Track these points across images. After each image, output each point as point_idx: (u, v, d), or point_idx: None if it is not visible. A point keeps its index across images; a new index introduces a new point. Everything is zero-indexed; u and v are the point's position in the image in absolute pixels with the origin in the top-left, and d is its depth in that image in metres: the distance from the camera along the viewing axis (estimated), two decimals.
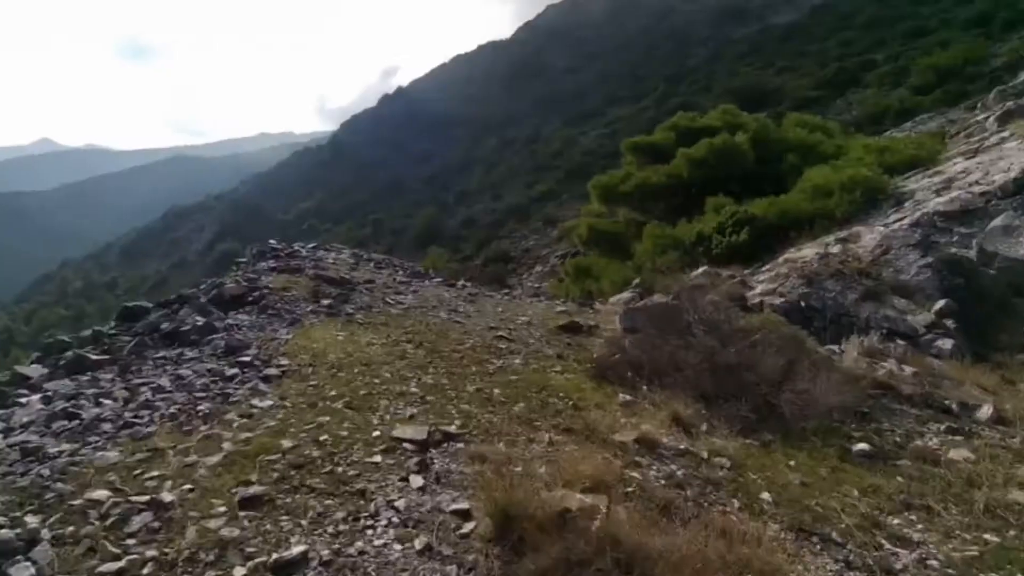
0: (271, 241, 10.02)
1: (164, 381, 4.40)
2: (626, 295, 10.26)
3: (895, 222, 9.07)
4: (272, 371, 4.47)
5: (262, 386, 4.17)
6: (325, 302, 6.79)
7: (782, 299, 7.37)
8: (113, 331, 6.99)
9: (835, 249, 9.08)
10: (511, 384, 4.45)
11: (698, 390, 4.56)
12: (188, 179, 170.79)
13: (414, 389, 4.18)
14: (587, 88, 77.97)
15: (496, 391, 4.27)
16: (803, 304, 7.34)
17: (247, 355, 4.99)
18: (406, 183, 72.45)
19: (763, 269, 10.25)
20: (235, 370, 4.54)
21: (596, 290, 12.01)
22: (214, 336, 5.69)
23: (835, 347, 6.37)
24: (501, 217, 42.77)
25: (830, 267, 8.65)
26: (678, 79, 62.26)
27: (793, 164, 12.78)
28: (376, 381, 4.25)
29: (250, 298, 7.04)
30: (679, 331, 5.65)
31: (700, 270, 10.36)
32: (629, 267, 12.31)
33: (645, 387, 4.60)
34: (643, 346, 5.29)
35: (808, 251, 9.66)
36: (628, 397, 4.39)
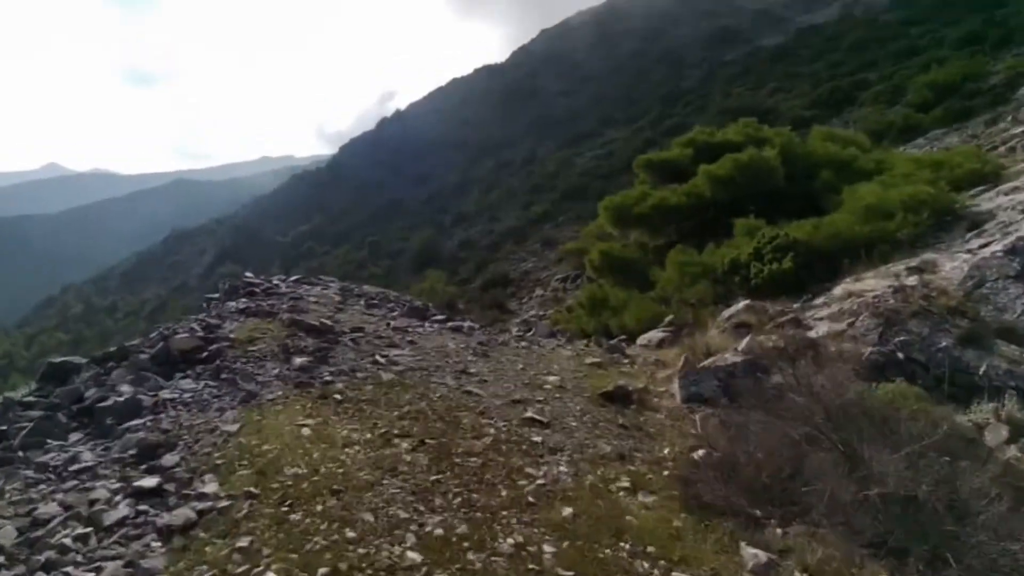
0: (247, 274, 8.36)
1: (9, 530, 2.69)
2: (657, 334, 8.57)
3: (981, 248, 7.46)
4: (183, 514, 2.75)
5: (149, 560, 2.45)
6: (298, 362, 5.10)
7: (872, 349, 5.70)
8: (30, 397, 5.35)
9: (911, 281, 7.42)
10: (567, 531, 2.74)
11: (858, 531, 2.87)
12: (190, 203, 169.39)
13: (413, 555, 2.47)
14: (581, 110, 77.18)
15: (547, 550, 2.57)
16: (901, 356, 5.68)
17: (165, 465, 3.29)
18: (404, 205, 71.12)
19: (816, 303, 8.62)
20: (125, 510, 2.82)
21: (616, 325, 10.34)
22: (133, 424, 3.98)
23: (965, 418, 4.71)
24: (498, 239, 41.25)
25: (911, 304, 6.97)
26: (672, 100, 61.35)
27: (828, 181, 11.21)
28: (350, 535, 2.55)
29: (204, 354, 5.34)
30: (770, 405, 3.98)
31: (741, 304, 8.68)
32: (651, 298, 10.66)
33: (778, 528, 2.89)
34: (740, 440, 3.61)
35: (872, 282, 8.00)
36: (759, 555, 2.68)
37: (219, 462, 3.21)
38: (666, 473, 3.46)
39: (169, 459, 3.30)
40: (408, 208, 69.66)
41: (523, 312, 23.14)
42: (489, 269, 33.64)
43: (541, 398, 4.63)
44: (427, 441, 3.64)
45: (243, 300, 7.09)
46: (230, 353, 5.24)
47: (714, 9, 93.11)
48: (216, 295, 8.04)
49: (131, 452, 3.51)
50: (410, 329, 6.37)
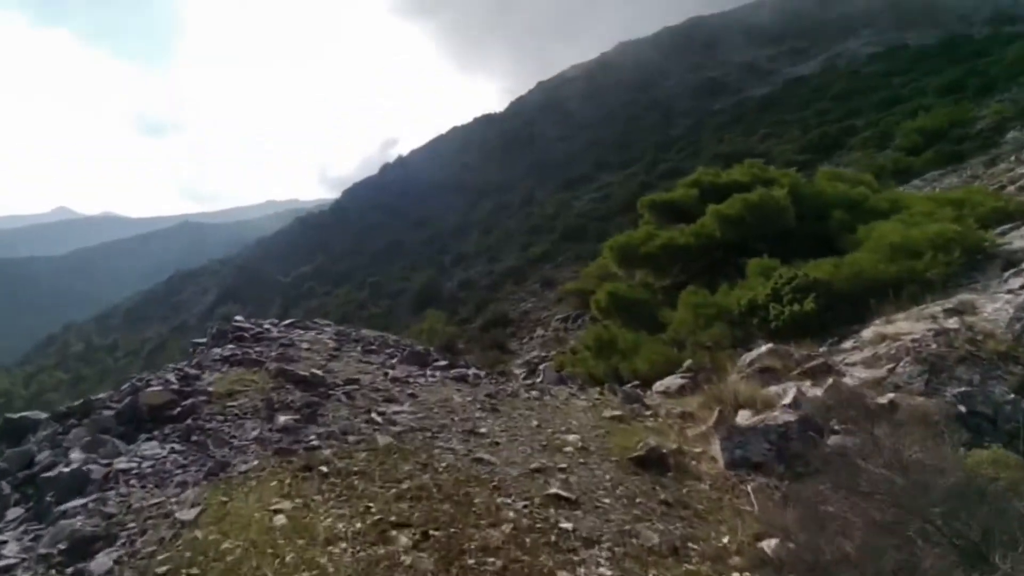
0: (237, 317, 7.62)
1: None
2: (675, 380, 7.80)
3: (1023, 288, 6.81)
4: None
5: None
6: (282, 420, 4.32)
7: (948, 405, 4.93)
8: None
9: (951, 323, 6.71)
10: None
11: None
12: (196, 245, 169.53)
13: None
14: (577, 156, 77.91)
15: None
16: (963, 409, 4.93)
17: (94, 572, 2.50)
18: (404, 246, 70.90)
19: (844, 347, 7.89)
20: None
21: (627, 369, 9.56)
22: (73, 505, 3.19)
23: None
24: (498, 279, 40.71)
25: (956, 348, 6.24)
26: (664, 146, 61.88)
27: (841, 221, 10.63)
28: None
29: (177, 410, 4.57)
30: (842, 478, 3.21)
31: (763, 348, 7.94)
32: (663, 341, 9.92)
33: None
34: (814, 525, 2.82)
35: (906, 324, 7.29)
36: None
37: (161, 570, 2.42)
38: None
39: (101, 562, 2.51)
40: (408, 249, 69.39)
41: (524, 353, 22.30)
42: (489, 309, 32.94)
43: (564, 465, 3.86)
44: (432, 533, 2.86)
45: (230, 346, 6.33)
46: (206, 410, 4.47)
47: (700, 62, 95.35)
48: (203, 340, 7.29)
49: (60, 547, 2.72)
50: (411, 379, 5.60)
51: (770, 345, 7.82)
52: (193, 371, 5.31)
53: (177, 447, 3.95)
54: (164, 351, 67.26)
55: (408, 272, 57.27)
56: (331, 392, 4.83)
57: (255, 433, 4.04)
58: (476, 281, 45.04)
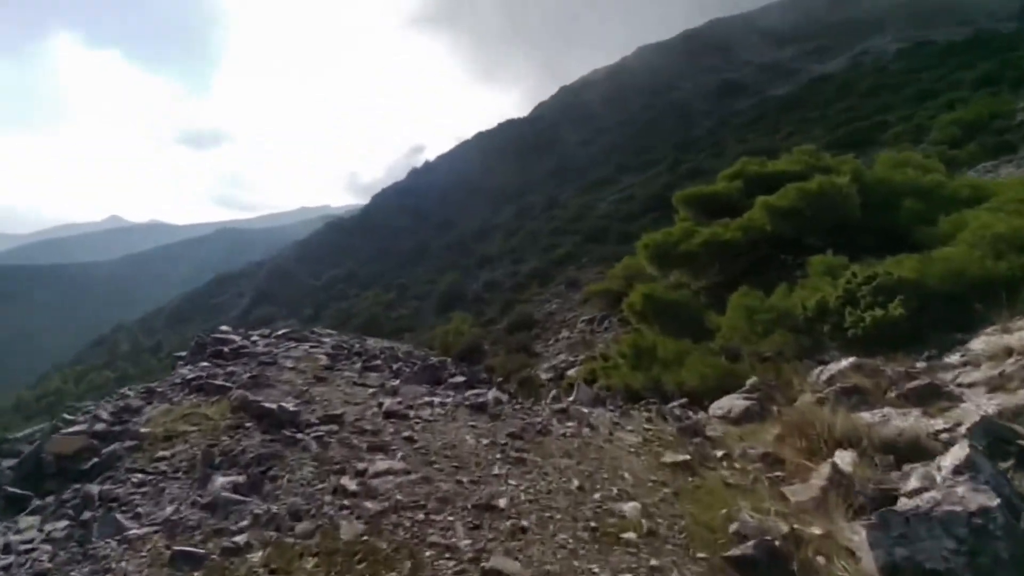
0: (222, 327, 6.27)
1: None
2: (737, 402, 6.17)
3: None
4: None
5: None
6: (218, 484, 2.89)
7: None
8: None
9: None
10: None
11: None
12: (234, 249, 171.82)
13: None
14: (598, 158, 76.10)
15: None
16: None
17: None
18: (430, 250, 69.94)
19: (950, 361, 6.20)
20: None
21: (672, 382, 7.99)
22: None
23: None
24: (523, 280, 39.18)
25: None
26: (685, 147, 59.71)
27: (915, 211, 8.90)
28: None
29: (93, 461, 3.16)
30: None
31: (844, 363, 6.29)
32: (711, 350, 8.33)
33: None
34: None
35: None
36: None
37: None
38: None
39: None
40: (434, 253, 68.41)
41: (550, 356, 20.74)
42: (514, 310, 31.43)
43: (632, 565, 2.40)
44: None
45: (202, 364, 4.98)
46: (127, 462, 3.10)
47: (719, 65, 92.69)
48: (184, 353, 5.98)
49: None
50: (411, 412, 4.14)
51: (853, 359, 6.18)
52: (137, 402, 3.99)
53: (58, 530, 2.61)
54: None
55: (434, 274, 56.17)
56: (300, 435, 3.44)
57: (169, 510, 2.68)
58: (501, 283, 43.64)
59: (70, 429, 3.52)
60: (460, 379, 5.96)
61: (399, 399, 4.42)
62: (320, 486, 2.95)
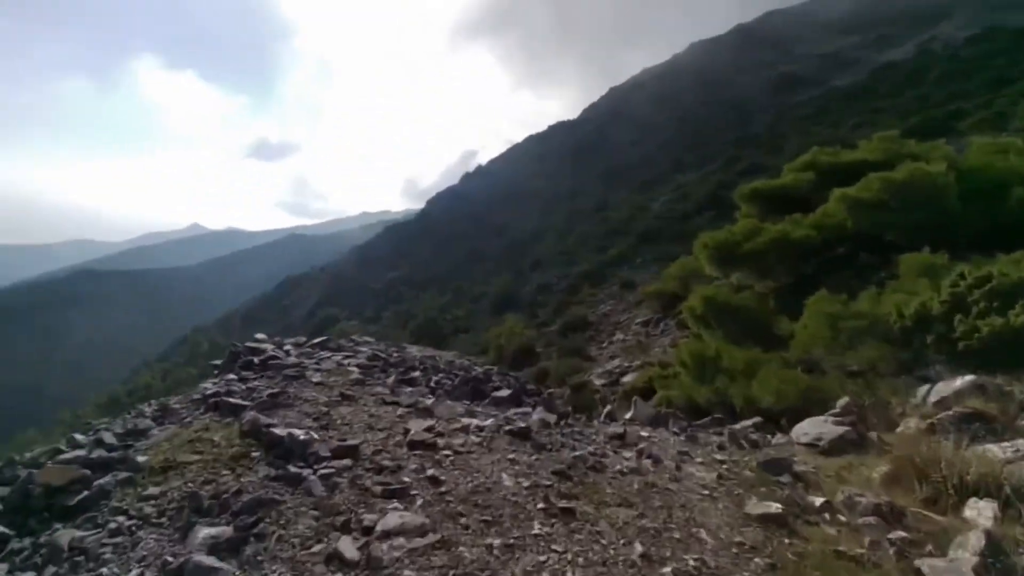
0: (257, 335, 5.90)
1: None
2: (825, 427, 5.27)
3: None
4: None
5: None
6: (203, 538, 2.37)
7: None
8: None
9: None
10: None
11: None
12: (303, 254, 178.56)
13: None
14: (651, 159, 73.99)
15: None
16: None
17: None
18: (484, 252, 69.95)
19: None
20: None
21: (739, 397, 7.07)
22: None
23: None
24: (575, 282, 38.25)
25: None
26: (742, 144, 56.97)
27: None
28: None
29: (81, 496, 2.70)
30: None
31: (960, 382, 5.28)
32: (786, 360, 7.33)
33: None
34: None
35: None
36: None
37: None
38: None
39: None
40: (488, 255, 68.36)
41: (604, 360, 19.88)
42: (568, 312, 30.59)
43: None
44: None
45: (230, 377, 4.57)
46: (114, 500, 2.64)
47: (775, 58, 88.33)
48: (219, 362, 5.63)
49: None
50: (441, 440, 3.53)
51: (971, 377, 5.14)
52: (147, 422, 3.60)
53: None
54: None
55: (488, 277, 55.99)
56: (306, 473, 2.90)
57: (138, 572, 2.19)
58: (553, 284, 42.92)
59: (66, 455, 3.13)
60: (505, 392, 5.33)
61: (430, 423, 3.83)
62: (315, 549, 2.38)
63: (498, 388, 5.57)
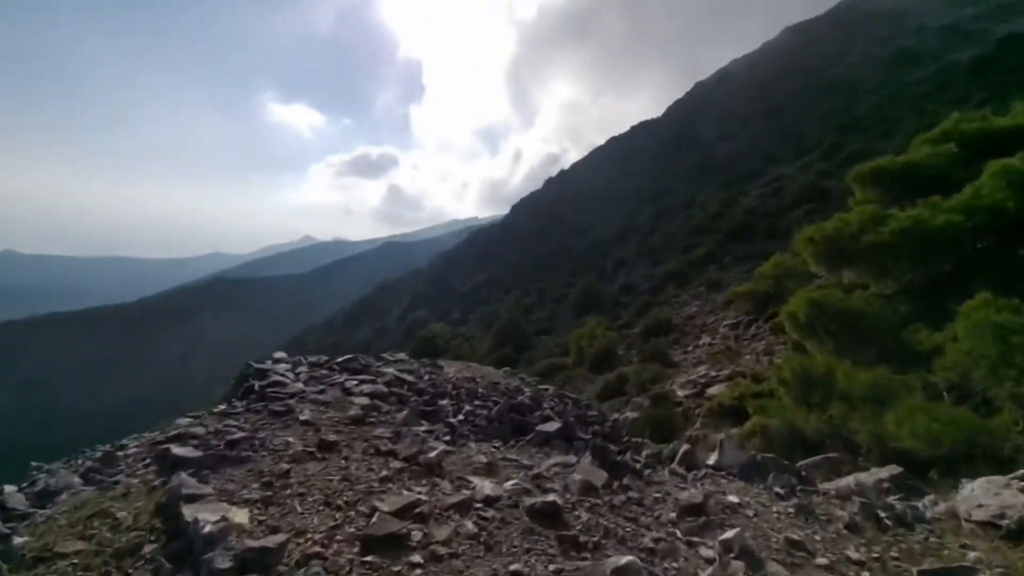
0: (276, 354, 5.18)
1: None
2: (1009, 495, 3.56)
3: None
4: None
5: None
6: None
7: None
8: None
9: None
10: None
11: None
12: (397, 260, 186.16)
13: None
14: (742, 153, 68.94)
15: None
16: None
17: None
18: (568, 254, 68.52)
19: None
20: None
21: (864, 433, 5.38)
22: None
23: None
24: (659, 282, 35.91)
25: None
26: (846, 130, 51.26)
27: None
28: None
29: None
30: None
31: None
32: (930, 382, 5.53)
33: None
34: None
35: None
36: None
37: None
38: None
39: None
40: (571, 256, 66.84)
41: (688, 366, 17.97)
42: (651, 314, 28.55)
43: None
44: None
45: (222, 407, 3.78)
46: None
47: (887, 35, 79.26)
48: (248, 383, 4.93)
49: None
50: (421, 530, 2.26)
51: None
52: (66, 480, 2.80)
53: None
54: (371, 350, 72.58)
55: (571, 278, 54.50)
56: None
57: None
58: (637, 285, 40.72)
59: None
60: (554, 425, 4.15)
61: (419, 493, 2.70)
62: None
63: (547, 418, 4.42)
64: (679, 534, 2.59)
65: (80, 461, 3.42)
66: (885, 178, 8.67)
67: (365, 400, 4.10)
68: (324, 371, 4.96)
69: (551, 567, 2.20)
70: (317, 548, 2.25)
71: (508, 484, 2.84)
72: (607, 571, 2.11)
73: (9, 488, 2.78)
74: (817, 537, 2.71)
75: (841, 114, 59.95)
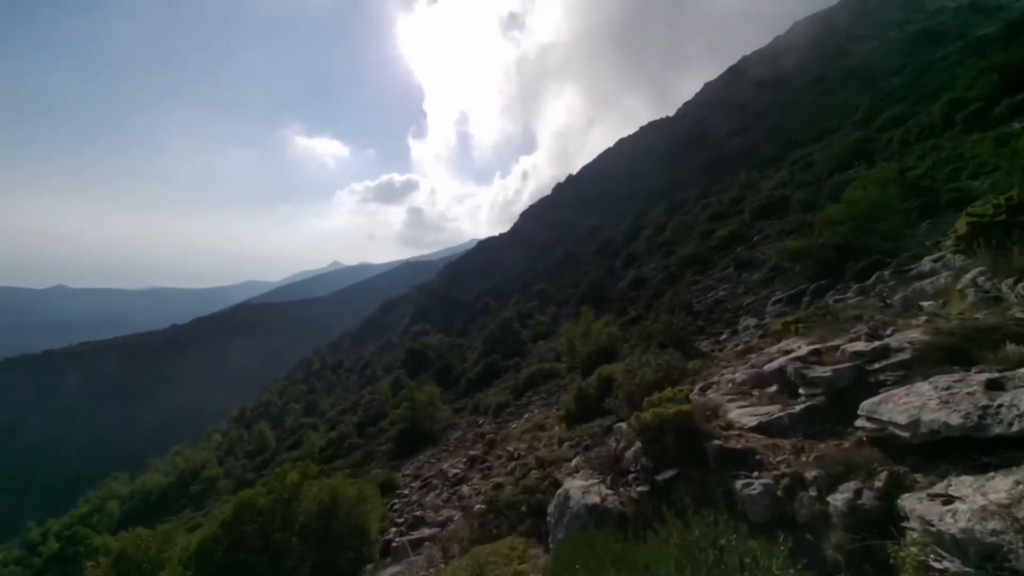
0: None
1: None
2: None
3: None
4: None
5: None
6: None
7: None
8: None
9: None
10: None
11: None
12: (413, 280, 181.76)
13: None
14: (758, 145, 62.17)
15: None
16: None
17: None
18: (576, 257, 61.98)
19: None
20: None
21: None
22: None
23: None
24: (676, 270, 29.09)
25: None
26: (875, 108, 44.12)
27: None
28: None
29: None
30: None
31: None
32: None
33: None
34: None
35: None
36: None
37: None
38: None
39: None
40: (581, 260, 60.35)
41: (730, 355, 11.20)
42: (663, 300, 21.69)
43: None
44: None
45: None
46: None
47: (905, 17, 72.34)
48: None
49: None
50: None
51: None
52: None
53: None
54: (368, 370, 66.37)
55: (578, 280, 47.95)
56: None
57: None
58: (649, 278, 33.89)
59: None
60: None
61: None
62: None
63: None
64: None
65: None
66: None
67: None
68: None
69: None
70: None
71: None
72: None
73: None
74: None
75: (867, 98, 53.02)
